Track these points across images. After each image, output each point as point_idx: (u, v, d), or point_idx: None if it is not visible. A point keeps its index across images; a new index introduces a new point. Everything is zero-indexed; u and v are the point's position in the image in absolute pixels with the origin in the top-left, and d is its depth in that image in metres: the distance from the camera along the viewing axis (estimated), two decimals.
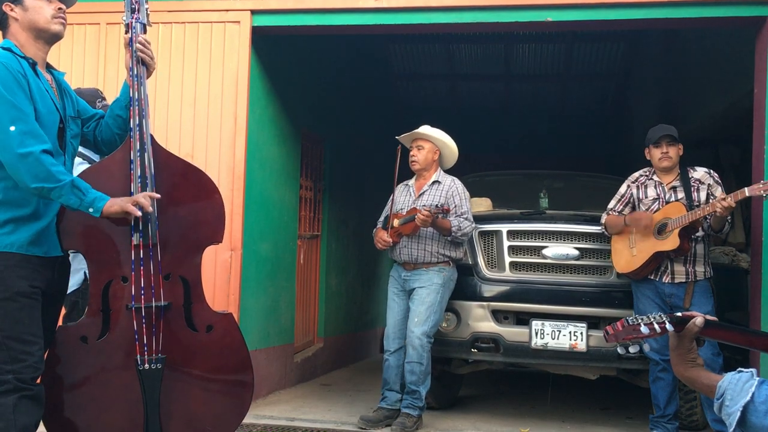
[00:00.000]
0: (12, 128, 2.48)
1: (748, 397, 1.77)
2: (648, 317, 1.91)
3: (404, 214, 4.71)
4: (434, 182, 4.78)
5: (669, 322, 1.89)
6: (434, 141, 4.80)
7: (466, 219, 4.64)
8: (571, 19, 4.75)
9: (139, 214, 2.66)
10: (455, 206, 4.66)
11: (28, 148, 2.47)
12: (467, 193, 4.79)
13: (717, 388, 1.84)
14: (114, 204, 2.62)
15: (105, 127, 2.89)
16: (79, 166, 3.17)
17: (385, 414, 4.60)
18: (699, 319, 1.89)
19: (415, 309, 4.59)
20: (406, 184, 4.93)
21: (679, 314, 1.93)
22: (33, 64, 2.65)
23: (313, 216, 6.77)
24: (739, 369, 1.86)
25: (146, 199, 2.67)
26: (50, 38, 2.71)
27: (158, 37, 4.94)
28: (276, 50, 5.45)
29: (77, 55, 4.99)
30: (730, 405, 1.79)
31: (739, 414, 1.76)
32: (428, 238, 4.66)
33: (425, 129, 4.81)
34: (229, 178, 4.87)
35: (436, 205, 4.54)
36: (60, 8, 2.69)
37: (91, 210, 2.60)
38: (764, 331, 3.75)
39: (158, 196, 2.72)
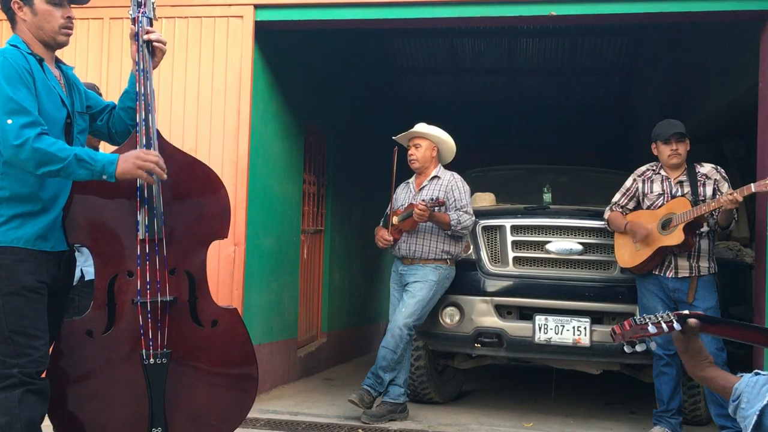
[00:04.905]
0: (9, 122, 2.46)
1: (765, 401, 1.75)
2: (655, 316, 1.91)
3: (403, 210, 4.72)
4: (434, 177, 4.80)
5: (677, 321, 1.88)
6: (431, 138, 4.81)
7: (465, 212, 4.65)
8: (574, 13, 4.74)
9: (153, 181, 2.64)
10: (455, 200, 4.67)
11: (22, 138, 2.45)
12: (467, 187, 4.79)
13: (733, 390, 1.82)
14: (126, 172, 2.57)
15: (118, 119, 2.88)
16: None
17: (389, 408, 4.61)
18: (692, 320, 1.89)
19: (405, 301, 4.63)
20: (407, 183, 4.95)
21: (687, 312, 1.92)
22: (40, 60, 2.64)
23: (317, 211, 6.77)
24: (756, 371, 1.85)
25: (159, 162, 2.62)
26: (54, 47, 2.71)
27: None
28: (279, 44, 5.44)
29: (80, 50, 4.99)
30: (746, 408, 1.78)
31: (755, 418, 1.75)
32: (428, 233, 4.67)
33: (421, 127, 4.82)
34: (232, 173, 4.87)
35: (431, 198, 4.56)
36: (69, 17, 2.67)
37: (104, 177, 2.57)
38: (764, 327, 3.74)
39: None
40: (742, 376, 1.85)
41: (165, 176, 2.65)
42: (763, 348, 4.21)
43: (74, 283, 3.62)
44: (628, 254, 4.44)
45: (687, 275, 4.28)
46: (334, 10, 4.91)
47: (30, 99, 2.52)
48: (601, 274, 4.78)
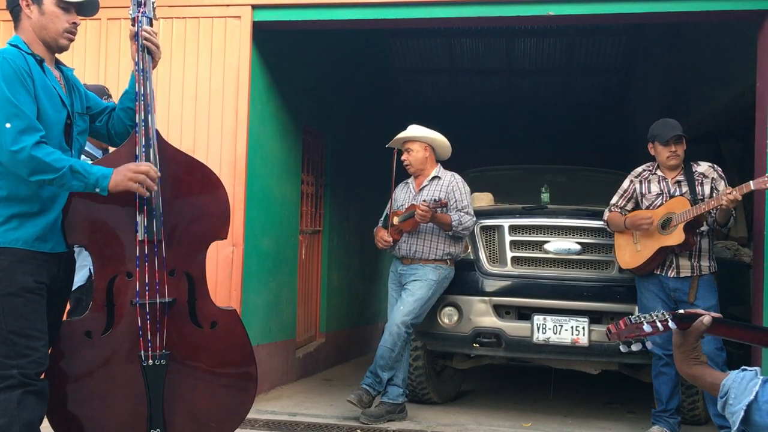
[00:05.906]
0: (8, 125, 2.47)
1: (751, 396, 1.76)
2: (651, 315, 1.90)
3: (404, 211, 4.72)
4: (434, 177, 4.79)
5: (672, 320, 1.87)
6: (422, 140, 4.79)
7: (466, 213, 4.65)
8: (572, 13, 4.74)
9: (147, 194, 2.64)
10: (455, 200, 4.67)
11: (20, 144, 2.46)
12: (468, 188, 4.80)
13: (721, 387, 1.83)
14: (118, 184, 2.59)
15: (117, 120, 2.89)
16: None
17: (387, 408, 4.60)
18: (706, 318, 1.87)
19: (404, 299, 4.62)
20: (406, 182, 4.94)
21: (682, 311, 1.92)
22: (40, 61, 2.64)
23: (315, 211, 6.77)
24: (743, 367, 1.85)
25: (149, 172, 2.63)
26: (55, 49, 2.71)
27: (159, 32, 4.88)
28: (277, 45, 5.44)
29: (78, 51, 4.97)
30: (734, 404, 1.78)
31: (742, 413, 1.76)
32: (428, 233, 4.67)
33: (410, 131, 4.81)
34: (230, 173, 4.86)
35: (434, 200, 4.55)
36: (74, 22, 2.68)
37: (97, 190, 2.58)
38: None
39: (159, 174, 2.69)
40: (729, 373, 1.85)
41: (155, 187, 2.66)
42: (761, 349, 4.21)
43: (84, 283, 3.64)
44: (628, 255, 4.43)
45: (688, 275, 4.27)
46: (332, 11, 4.91)
47: (28, 102, 2.52)
48: (599, 274, 4.78)
